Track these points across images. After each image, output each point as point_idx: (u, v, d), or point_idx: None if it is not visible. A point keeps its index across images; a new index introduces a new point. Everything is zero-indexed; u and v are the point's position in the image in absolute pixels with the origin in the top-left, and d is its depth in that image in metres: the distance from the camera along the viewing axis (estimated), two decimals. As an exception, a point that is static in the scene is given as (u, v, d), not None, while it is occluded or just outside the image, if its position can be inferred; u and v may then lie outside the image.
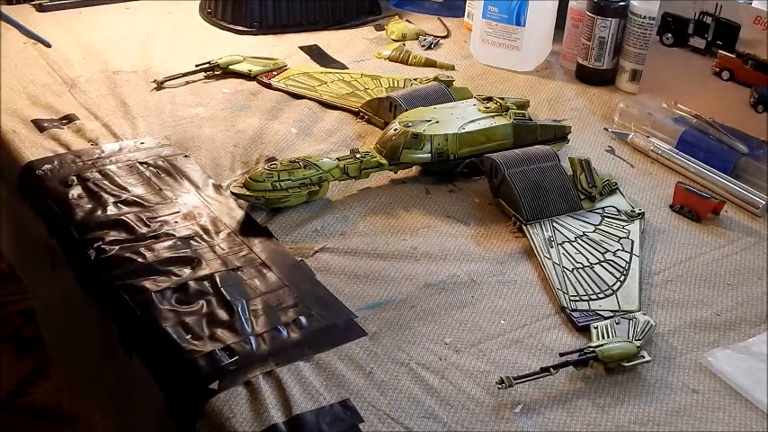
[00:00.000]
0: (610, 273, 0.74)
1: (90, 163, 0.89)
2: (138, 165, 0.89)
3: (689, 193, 0.85)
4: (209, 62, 1.11)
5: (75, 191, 0.83)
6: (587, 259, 0.75)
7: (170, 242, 0.76)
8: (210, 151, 0.93)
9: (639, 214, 0.82)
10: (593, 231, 0.79)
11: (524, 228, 0.79)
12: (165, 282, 0.71)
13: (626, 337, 0.65)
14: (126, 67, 1.13)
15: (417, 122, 0.88)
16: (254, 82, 1.10)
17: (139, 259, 0.74)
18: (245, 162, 0.91)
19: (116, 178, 0.86)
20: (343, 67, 1.18)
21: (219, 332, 0.66)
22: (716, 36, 0.98)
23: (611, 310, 0.69)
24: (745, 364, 0.65)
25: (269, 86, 1.09)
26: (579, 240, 0.78)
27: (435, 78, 1.04)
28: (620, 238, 0.78)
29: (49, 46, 1.17)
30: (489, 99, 0.94)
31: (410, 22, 1.32)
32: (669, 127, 0.97)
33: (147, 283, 0.71)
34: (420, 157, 0.87)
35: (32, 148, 0.92)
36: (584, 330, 0.68)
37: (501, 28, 1.16)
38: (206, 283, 0.71)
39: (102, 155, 0.91)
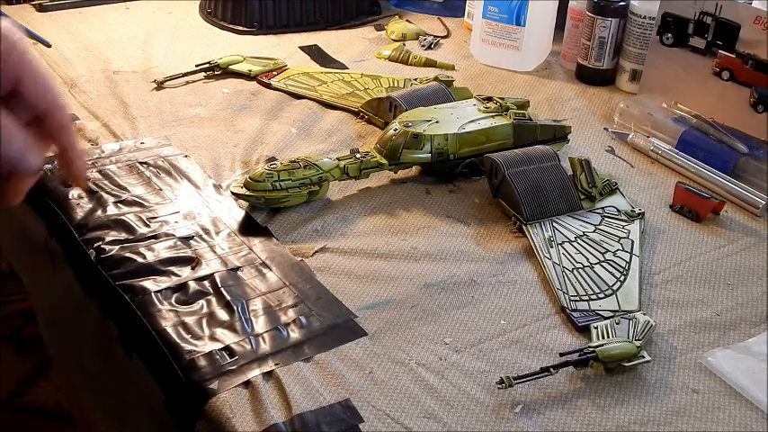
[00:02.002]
0: (610, 273, 0.74)
1: (90, 163, 0.89)
2: (138, 165, 0.89)
3: (689, 193, 0.85)
4: (209, 62, 1.11)
5: (76, 191, 0.83)
6: (587, 259, 0.75)
7: (170, 242, 0.76)
8: (210, 151, 0.93)
9: (639, 214, 0.82)
10: (593, 231, 0.79)
11: (524, 228, 0.79)
12: (165, 282, 0.71)
13: (626, 337, 0.65)
14: (126, 67, 1.13)
15: (417, 122, 0.88)
16: (254, 82, 1.10)
17: (139, 259, 0.74)
18: (245, 162, 0.91)
19: (116, 178, 0.86)
20: (343, 67, 1.18)
21: (219, 332, 0.66)
22: (716, 36, 0.98)
23: (611, 310, 0.69)
24: (745, 364, 0.65)
25: (269, 86, 1.09)
26: (579, 240, 0.78)
27: (435, 78, 1.04)
28: (620, 238, 0.78)
29: (48, 46, 1.17)
30: (489, 99, 0.94)
31: (410, 22, 1.32)
32: (669, 127, 0.97)
33: (147, 283, 0.71)
34: (420, 157, 0.87)
35: (32, 148, 0.92)
36: (585, 330, 0.68)
37: (501, 28, 1.16)
38: (206, 283, 0.71)
39: (102, 155, 0.91)
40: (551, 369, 0.62)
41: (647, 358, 0.64)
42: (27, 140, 0.52)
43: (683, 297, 0.73)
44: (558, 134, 0.93)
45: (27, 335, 1.69)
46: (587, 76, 1.15)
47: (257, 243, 0.77)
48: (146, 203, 0.82)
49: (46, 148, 0.55)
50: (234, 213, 0.82)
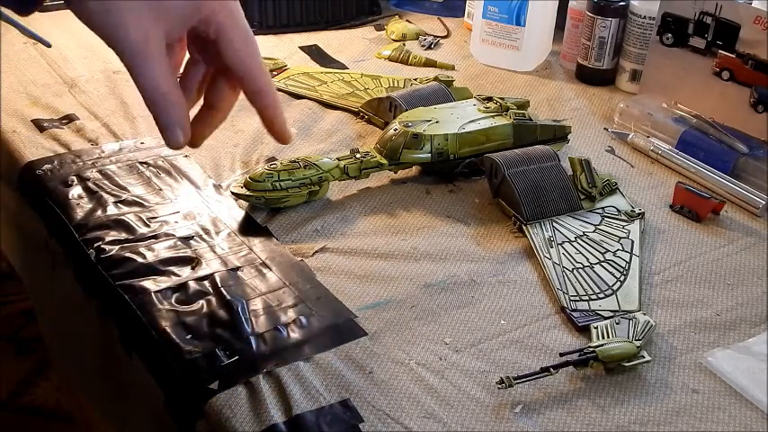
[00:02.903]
0: (610, 273, 0.74)
1: (90, 163, 0.89)
2: (138, 165, 0.89)
3: (689, 193, 0.85)
4: (209, 62, 1.10)
5: (76, 191, 0.83)
6: (587, 259, 0.75)
7: (170, 242, 0.76)
8: (210, 151, 0.93)
9: (639, 214, 0.82)
10: (594, 231, 0.79)
11: (524, 228, 0.79)
12: (164, 282, 0.71)
13: (626, 337, 0.65)
14: (126, 67, 1.12)
15: (417, 122, 0.88)
16: (254, 82, 1.10)
17: (139, 259, 0.74)
18: (245, 162, 0.91)
19: (116, 178, 0.86)
20: (343, 67, 1.18)
21: (219, 332, 0.66)
22: (716, 36, 0.98)
23: (611, 310, 0.69)
24: (745, 364, 0.65)
25: (269, 86, 1.09)
26: (579, 240, 0.78)
27: (435, 78, 1.04)
28: (620, 238, 0.78)
29: (49, 46, 1.17)
30: (489, 99, 0.94)
31: (410, 22, 1.32)
32: (669, 127, 0.97)
33: (147, 283, 0.71)
34: (420, 157, 0.87)
35: (32, 148, 0.92)
36: (585, 330, 0.68)
37: (501, 28, 1.16)
38: (206, 283, 0.71)
39: (102, 155, 0.91)
40: (551, 369, 0.62)
41: (647, 358, 0.64)
42: (183, 117, 0.57)
43: (683, 297, 0.73)
44: (558, 134, 0.93)
45: (27, 335, 1.69)
46: (587, 76, 1.15)
47: (257, 243, 0.77)
48: (146, 203, 0.82)
49: (210, 127, 0.61)
50: (234, 213, 0.82)
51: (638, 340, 0.64)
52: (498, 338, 0.67)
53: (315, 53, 1.22)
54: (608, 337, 0.65)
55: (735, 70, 0.97)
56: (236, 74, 0.58)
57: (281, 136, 0.62)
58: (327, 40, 1.26)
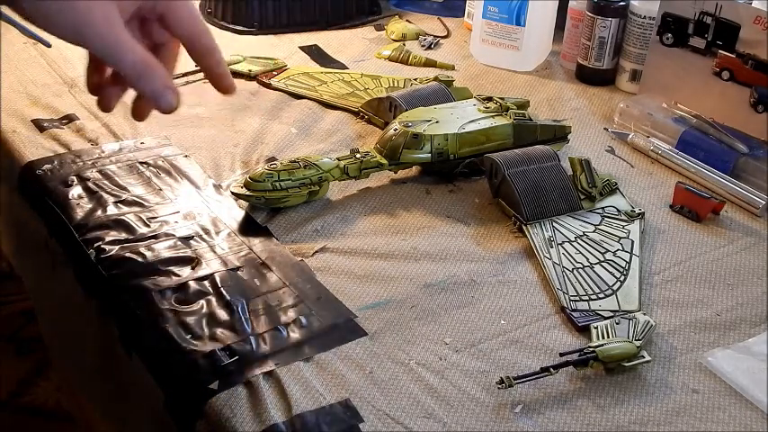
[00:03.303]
0: (610, 273, 0.74)
1: (90, 163, 0.89)
2: (138, 165, 0.89)
3: (689, 193, 0.85)
4: (209, 62, 1.10)
5: (76, 191, 0.83)
6: (587, 259, 0.75)
7: (170, 242, 0.76)
8: (210, 151, 0.93)
9: (639, 214, 0.82)
10: (594, 231, 0.79)
11: (524, 228, 0.79)
12: (165, 281, 0.71)
13: (626, 337, 0.65)
14: (126, 67, 1.12)
15: (417, 122, 0.88)
16: (254, 82, 1.10)
17: (139, 259, 0.74)
18: (245, 162, 0.91)
19: (116, 178, 0.86)
20: (343, 67, 1.18)
21: (219, 332, 0.66)
22: (716, 36, 0.98)
23: (611, 310, 0.69)
24: (745, 364, 0.65)
25: (269, 86, 1.09)
26: (579, 240, 0.78)
27: (435, 78, 1.04)
28: (620, 238, 0.78)
29: (49, 46, 1.17)
30: (489, 99, 0.94)
31: (410, 22, 1.32)
32: (669, 127, 0.97)
33: (147, 283, 0.71)
34: (420, 157, 0.87)
35: (32, 148, 0.92)
36: (585, 330, 0.68)
37: (501, 28, 1.16)
38: (206, 283, 0.71)
39: (102, 155, 0.91)
40: (551, 369, 0.62)
41: (647, 358, 0.64)
42: (169, 78, 0.58)
43: (683, 297, 0.73)
44: (558, 134, 0.93)
45: (27, 335, 1.69)
46: (587, 76, 1.15)
47: (257, 243, 0.77)
48: (146, 203, 0.82)
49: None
50: (234, 213, 0.82)
51: (638, 340, 0.64)
52: (498, 338, 0.67)
53: (315, 53, 1.22)
54: (608, 337, 0.65)
55: (735, 70, 0.97)
56: (185, 38, 0.60)
57: (229, 88, 0.65)
58: (327, 40, 1.26)
